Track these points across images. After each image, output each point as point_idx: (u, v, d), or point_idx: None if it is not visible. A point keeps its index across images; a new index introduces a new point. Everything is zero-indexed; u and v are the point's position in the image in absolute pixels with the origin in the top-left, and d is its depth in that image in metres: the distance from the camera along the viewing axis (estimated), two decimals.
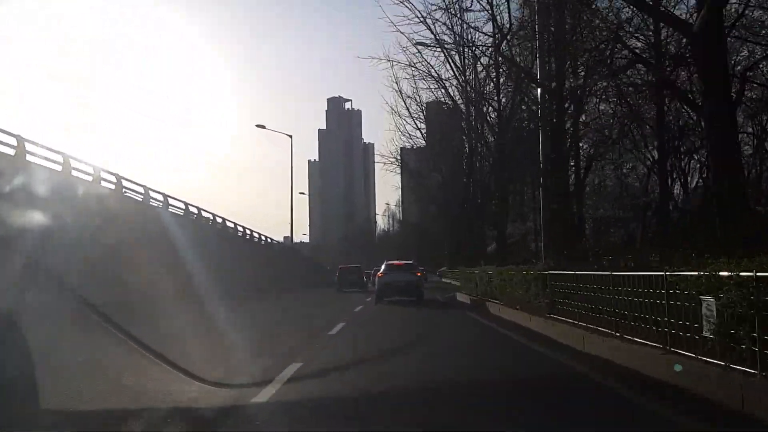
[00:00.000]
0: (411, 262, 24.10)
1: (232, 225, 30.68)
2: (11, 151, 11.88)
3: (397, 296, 21.44)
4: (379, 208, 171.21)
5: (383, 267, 22.09)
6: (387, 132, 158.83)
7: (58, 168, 13.60)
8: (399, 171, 45.45)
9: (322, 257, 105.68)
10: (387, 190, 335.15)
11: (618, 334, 8.04)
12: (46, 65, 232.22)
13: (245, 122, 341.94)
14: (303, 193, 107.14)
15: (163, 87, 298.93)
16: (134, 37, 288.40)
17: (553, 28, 16.84)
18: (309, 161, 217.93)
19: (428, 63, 36.46)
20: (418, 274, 21.94)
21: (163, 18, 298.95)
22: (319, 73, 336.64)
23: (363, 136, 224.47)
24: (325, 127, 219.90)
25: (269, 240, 42.29)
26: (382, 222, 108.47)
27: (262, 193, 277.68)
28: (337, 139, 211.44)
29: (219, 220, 29.19)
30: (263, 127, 42.87)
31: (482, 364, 8.26)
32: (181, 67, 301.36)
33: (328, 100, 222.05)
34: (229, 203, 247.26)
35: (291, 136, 43.94)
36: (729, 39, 14.25)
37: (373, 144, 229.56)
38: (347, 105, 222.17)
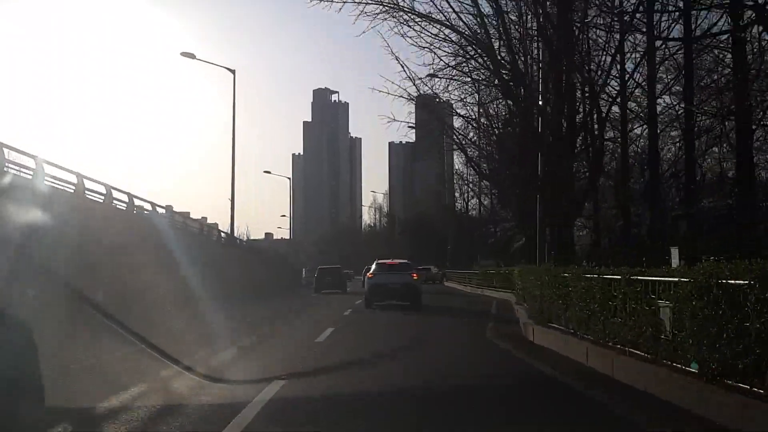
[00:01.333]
0: (406, 261, 22.40)
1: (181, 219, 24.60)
2: None
3: (390, 301, 19.72)
4: (366, 210, 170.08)
5: (374, 267, 20.31)
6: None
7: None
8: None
9: (302, 255, 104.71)
10: (375, 186, 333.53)
11: None
12: None
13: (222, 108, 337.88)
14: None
15: (144, 79, 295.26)
16: (108, 26, 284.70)
17: None
18: (293, 155, 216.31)
19: None
20: (415, 276, 20.16)
21: (144, 11, 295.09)
22: (305, 63, 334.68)
23: (350, 130, 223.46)
24: (310, 120, 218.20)
25: (222, 236, 33.76)
26: (368, 216, 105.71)
27: (246, 189, 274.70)
28: (323, 133, 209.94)
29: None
30: (192, 56, 31.60)
31: None
32: (158, 56, 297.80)
33: (314, 91, 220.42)
34: (209, 198, 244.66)
35: (234, 71, 32.51)
36: None
37: (360, 138, 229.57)
38: (334, 97, 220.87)
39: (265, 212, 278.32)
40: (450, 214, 58.88)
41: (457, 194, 64.87)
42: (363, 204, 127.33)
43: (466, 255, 56.22)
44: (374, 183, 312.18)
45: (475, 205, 57.61)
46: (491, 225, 49.56)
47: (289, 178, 61.08)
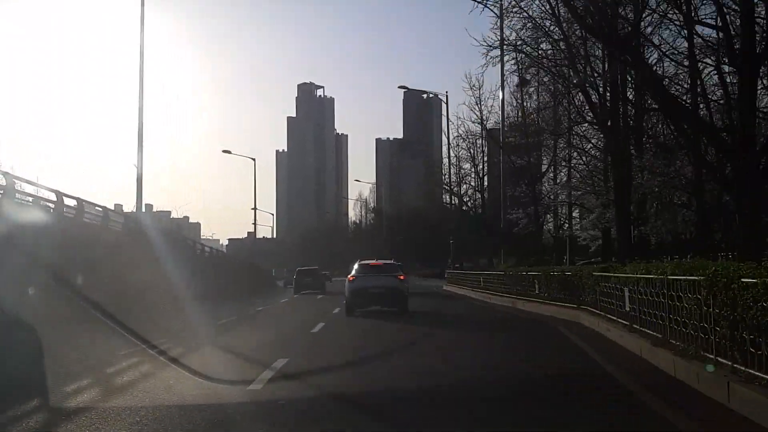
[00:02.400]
0: (391, 261, 20.73)
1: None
2: None
3: (374, 306, 17.95)
4: (353, 205, 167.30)
5: (355, 268, 18.53)
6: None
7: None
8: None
9: (286, 254, 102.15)
10: (362, 184, 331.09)
11: None
12: None
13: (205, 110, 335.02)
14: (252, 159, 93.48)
15: (124, 75, 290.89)
16: (84, 17, 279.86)
17: None
18: (277, 151, 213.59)
19: None
20: (401, 278, 18.20)
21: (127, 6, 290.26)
22: (290, 57, 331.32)
23: (336, 126, 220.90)
24: (294, 115, 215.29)
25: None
26: (353, 213, 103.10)
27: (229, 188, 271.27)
28: (308, 128, 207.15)
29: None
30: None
31: None
32: (137, 52, 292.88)
33: (299, 86, 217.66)
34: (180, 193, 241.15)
35: None
36: None
37: (346, 135, 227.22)
38: (319, 92, 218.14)
39: (248, 210, 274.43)
40: (456, 205, 53.97)
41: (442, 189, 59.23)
42: (350, 204, 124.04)
43: (472, 252, 52.39)
44: (362, 181, 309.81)
45: (474, 197, 53.73)
46: (515, 212, 37.21)
47: (253, 159, 55.34)
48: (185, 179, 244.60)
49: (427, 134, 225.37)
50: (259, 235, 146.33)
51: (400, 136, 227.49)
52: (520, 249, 38.19)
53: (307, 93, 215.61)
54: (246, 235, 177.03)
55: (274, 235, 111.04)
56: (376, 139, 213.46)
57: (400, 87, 54.72)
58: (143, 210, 30.81)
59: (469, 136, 49.97)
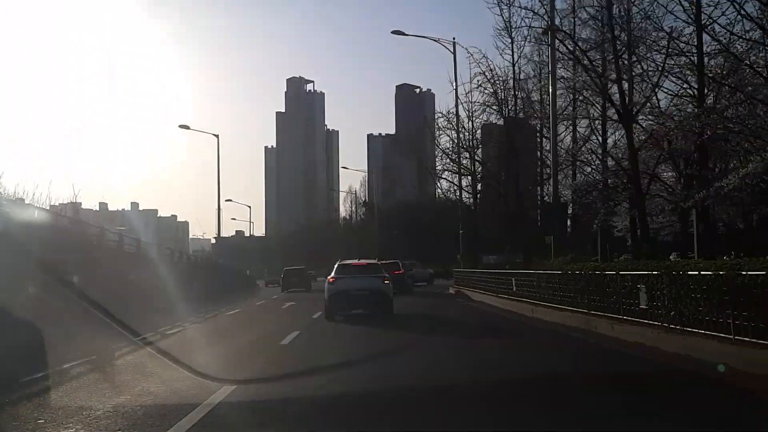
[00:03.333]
0: (374, 261, 19.45)
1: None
2: None
3: (356, 309, 16.88)
4: (344, 198, 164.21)
5: (335, 269, 17.46)
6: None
7: None
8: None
9: (273, 254, 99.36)
10: (353, 181, 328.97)
11: None
12: None
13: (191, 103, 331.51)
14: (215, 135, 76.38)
15: (109, 68, 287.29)
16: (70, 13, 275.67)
17: None
18: (266, 147, 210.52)
19: None
20: (385, 280, 17.08)
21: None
22: (279, 51, 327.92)
23: (326, 122, 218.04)
24: (284, 110, 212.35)
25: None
26: (344, 209, 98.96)
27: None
28: (297, 124, 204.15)
29: None
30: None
31: None
32: (123, 45, 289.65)
33: (288, 80, 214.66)
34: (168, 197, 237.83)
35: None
36: None
37: (337, 131, 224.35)
38: (309, 87, 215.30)
39: (236, 208, 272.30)
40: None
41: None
42: (340, 191, 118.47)
43: (484, 246, 48.01)
44: (352, 177, 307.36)
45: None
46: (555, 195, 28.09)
47: (216, 136, 44.71)
48: (173, 176, 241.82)
49: (421, 130, 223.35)
50: (249, 234, 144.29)
51: (393, 131, 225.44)
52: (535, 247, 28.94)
53: (296, 88, 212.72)
54: (234, 233, 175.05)
55: (252, 232, 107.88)
56: (368, 135, 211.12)
57: (394, 32, 34.19)
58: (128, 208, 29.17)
59: (497, 80, 34.08)
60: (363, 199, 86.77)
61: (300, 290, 37.75)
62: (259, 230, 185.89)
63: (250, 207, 56.29)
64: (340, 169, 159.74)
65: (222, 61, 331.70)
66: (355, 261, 19.03)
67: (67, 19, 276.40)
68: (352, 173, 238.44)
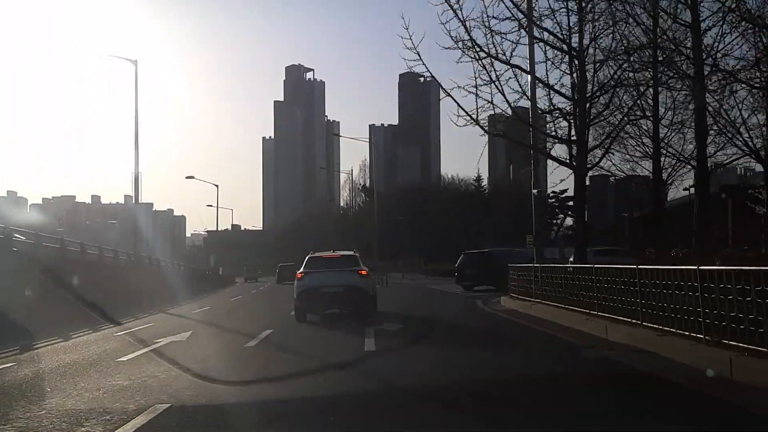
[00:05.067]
0: (349, 253, 16.67)
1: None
2: None
3: (329, 309, 15.41)
4: (343, 183, 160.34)
5: (304, 263, 15.88)
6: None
7: None
8: None
9: (269, 247, 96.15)
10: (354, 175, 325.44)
11: None
12: None
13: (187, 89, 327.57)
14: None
15: (105, 60, 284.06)
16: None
17: None
18: (263, 138, 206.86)
19: None
20: (362, 273, 15.26)
21: None
22: (278, 39, 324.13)
23: (326, 113, 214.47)
24: (282, 99, 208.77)
25: None
26: (344, 196, 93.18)
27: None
28: (296, 113, 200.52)
29: None
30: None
31: None
32: (119, 34, 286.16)
33: (287, 68, 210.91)
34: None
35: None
36: None
37: (338, 122, 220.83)
38: (309, 75, 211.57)
39: (236, 201, 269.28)
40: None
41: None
42: (341, 175, 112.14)
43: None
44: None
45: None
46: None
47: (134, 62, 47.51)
48: (170, 170, 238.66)
49: (425, 120, 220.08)
50: (246, 226, 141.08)
51: (395, 122, 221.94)
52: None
53: (295, 76, 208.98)
54: (230, 228, 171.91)
55: (226, 225, 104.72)
56: (370, 125, 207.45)
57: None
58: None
59: None
60: (362, 184, 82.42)
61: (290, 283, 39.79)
62: (258, 223, 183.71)
63: (217, 186, 51.14)
64: (341, 148, 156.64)
65: (219, 49, 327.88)
66: (328, 253, 16.82)
67: (62, 10, 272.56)
68: (355, 165, 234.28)
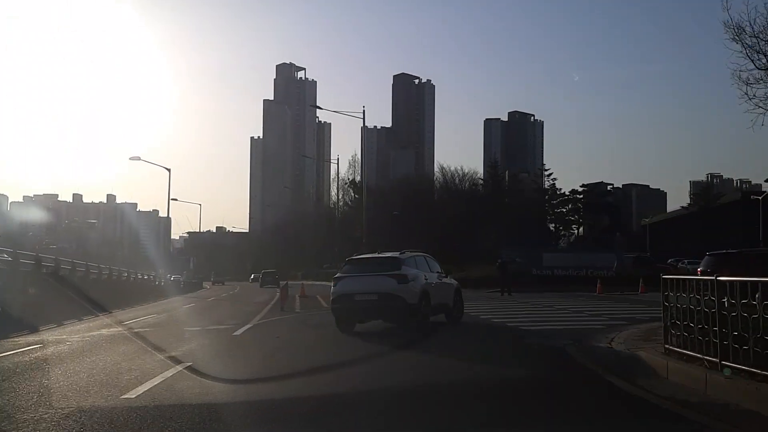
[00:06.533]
0: (394, 254, 13.95)
1: None
2: None
3: (368, 319, 13.22)
4: (334, 174, 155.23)
5: (344, 266, 14.48)
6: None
7: None
8: None
9: (252, 250, 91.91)
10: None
11: None
12: None
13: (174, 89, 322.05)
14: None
15: (91, 59, 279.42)
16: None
17: None
18: (251, 138, 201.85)
19: None
20: (402, 280, 12.52)
21: None
22: (269, 37, 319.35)
23: (317, 114, 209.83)
24: (272, 98, 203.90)
25: None
26: (335, 198, 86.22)
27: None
28: (286, 113, 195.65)
29: None
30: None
31: None
32: (107, 34, 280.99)
33: (278, 66, 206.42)
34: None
35: None
36: None
37: (329, 123, 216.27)
38: (300, 74, 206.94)
39: (222, 202, 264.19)
40: None
41: None
42: (331, 165, 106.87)
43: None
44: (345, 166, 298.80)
45: None
46: None
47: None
48: (154, 170, 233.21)
49: (419, 122, 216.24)
50: (233, 228, 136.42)
51: (389, 124, 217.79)
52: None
53: (286, 74, 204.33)
54: (214, 229, 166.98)
55: (210, 227, 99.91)
56: (362, 127, 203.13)
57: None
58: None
59: None
60: (350, 179, 76.84)
61: (272, 287, 42.62)
62: (245, 225, 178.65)
63: (169, 170, 44.73)
64: (332, 148, 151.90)
65: (207, 47, 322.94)
66: (371, 255, 14.98)
67: (43, 12, 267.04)
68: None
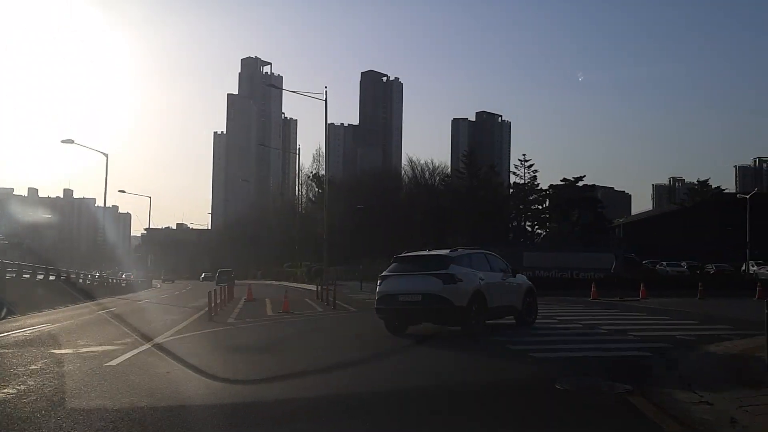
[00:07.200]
0: (442, 252, 12.80)
1: None
2: None
3: (415, 321, 12.21)
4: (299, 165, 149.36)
5: (391, 264, 12.88)
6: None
7: None
8: None
9: (212, 248, 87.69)
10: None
11: None
12: None
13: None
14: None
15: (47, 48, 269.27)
16: None
17: None
18: (215, 133, 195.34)
19: None
20: (450, 280, 11.25)
21: None
22: (234, 31, 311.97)
23: (283, 109, 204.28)
24: (236, 93, 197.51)
25: None
26: (298, 192, 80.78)
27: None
28: (251, 108, 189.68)
29: None
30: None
31: None
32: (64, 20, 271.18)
33: (242, 60, 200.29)
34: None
35: None
36: None
37: (295, 120, 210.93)
38: (266, 69, 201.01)
39: (185, 198, 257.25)
40: None
41: None
42: (297, 191, 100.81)
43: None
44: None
45: None
46: None
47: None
48: (119, 166, 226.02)
49: (387, 120, 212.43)
50: (197, 226, 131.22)
51: (356, 122, 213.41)
52: None
53: (251, 69, 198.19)
54: (175, 226, 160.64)
55: (170, 223, 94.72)
56: (329, 124, 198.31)
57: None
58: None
59: None
60: (313, 172, 71.68)
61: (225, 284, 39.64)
62: (207, 222, 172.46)
63: (106, 155, 39.53)
64: (298, 143, 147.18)
65: (170, 38, 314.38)
66: (419, 252, 13.64)
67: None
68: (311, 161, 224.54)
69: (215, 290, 21.33)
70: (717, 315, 16.04)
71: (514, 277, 13.11)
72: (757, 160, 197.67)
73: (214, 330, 13.18)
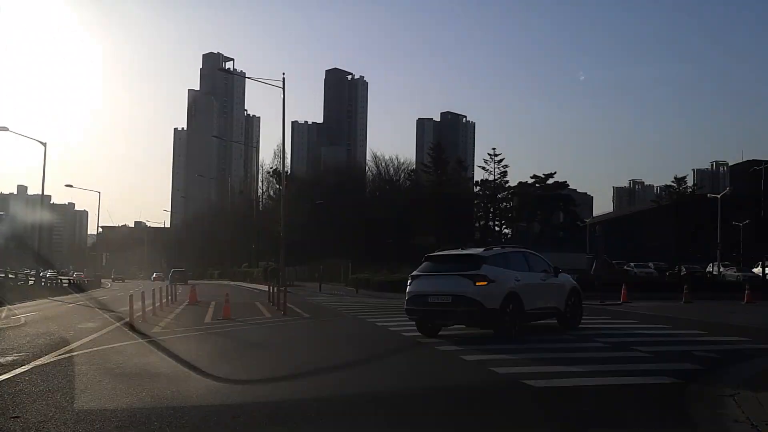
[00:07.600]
0: (475, 251, 12.22)
1: None
2: None
3: (446, 323, 12.05)
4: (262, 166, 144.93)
5: (421, 264, 12.31)
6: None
7: None
8: None
9: (169, 247, 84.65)
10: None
11: None
12: None
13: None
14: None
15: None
16: None
17: None
18: (175, 130, 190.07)
19: None
20: (480, 281, 10.82)
21: None
22: (196, 25, 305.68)
23: (246, 106, 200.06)
24: (198, 89, 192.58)
25: None
26: (257, 188, 75.80)
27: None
28: (212, 104, 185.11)
29: None
30: None
31: None
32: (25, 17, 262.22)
33: (204, 56, 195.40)
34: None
35: None
36: None
37: (258, 117, 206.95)
38: (228, 65, 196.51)
39: (143, 196, 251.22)
40: None
41: None
42: (258, 189, 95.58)
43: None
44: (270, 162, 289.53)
45: None
46: None
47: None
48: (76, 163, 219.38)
49: (351, 118, 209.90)
50: (155, 224, 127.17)
51: (320, 120, 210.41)
52: None
53: (213, 64, 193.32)
54: (132, 225, 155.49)
55: (128, 221, 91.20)
56: (293, 122, 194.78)
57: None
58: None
59: None
60: (273, 168, 67.63)
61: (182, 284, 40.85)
62: (167, 220, 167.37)
63: (44, 144, 35.86)
64: (260, 141, 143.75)
65: (130, 32, 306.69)
66: (451, 251, 12.95)
67: None
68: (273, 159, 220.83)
69: (153, 291, 18.82)
70: (717, 323, 14.18)
71: (557, 276, 12.40)
72: (714, 163, 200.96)
73: (123, 344, 10.61)
